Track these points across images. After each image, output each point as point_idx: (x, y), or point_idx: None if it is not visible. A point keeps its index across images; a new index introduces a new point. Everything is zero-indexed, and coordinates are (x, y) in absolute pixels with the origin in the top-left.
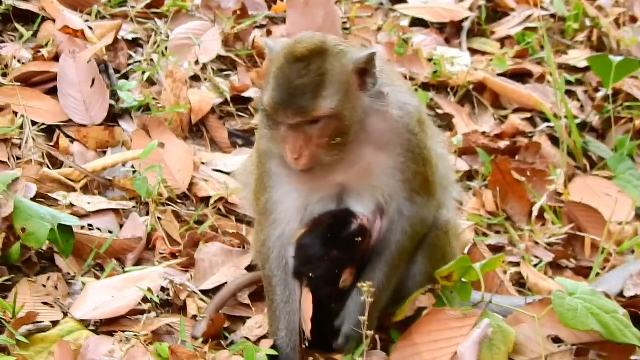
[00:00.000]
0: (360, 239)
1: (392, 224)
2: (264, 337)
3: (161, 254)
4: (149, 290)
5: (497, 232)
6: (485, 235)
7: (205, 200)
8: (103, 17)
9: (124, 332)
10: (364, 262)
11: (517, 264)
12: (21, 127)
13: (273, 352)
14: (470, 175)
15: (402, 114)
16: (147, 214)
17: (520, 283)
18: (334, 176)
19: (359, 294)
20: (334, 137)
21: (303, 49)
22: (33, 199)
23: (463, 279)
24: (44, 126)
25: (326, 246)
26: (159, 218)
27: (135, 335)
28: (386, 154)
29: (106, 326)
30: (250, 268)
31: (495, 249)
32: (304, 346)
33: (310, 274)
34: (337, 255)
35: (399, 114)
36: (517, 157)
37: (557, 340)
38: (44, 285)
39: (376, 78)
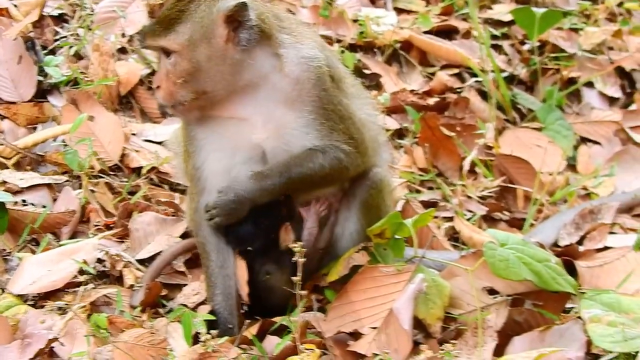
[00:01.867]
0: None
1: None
2: (202, 303)
3: (96, 225)
4: (84, 262)
5: (430, 188)
6: (417, 191)
7: (137, 171)
8: None
9: (62, 304)
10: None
11: (451, 219)
12: None
13: (210, 317)
14: (400, 133)
15: (304, 71)
16: (80, 187)
17: (454, 237)
18: (249, 136)
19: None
20: (186, 77)
21: None
22: None
23: (396, 236)
24: None
25: (252, 218)
26: (92, 190)
27: (68, 305)
28: (296, 112)
29: (44, 300)
30: (184, 235)
31: (428, 205)
32: (241, 310)
33: (249, 248)
34: (266, 222)
35: (300, 71)
36: (446, 113)
37: (492, 292)
38: None
39: (251, 33)
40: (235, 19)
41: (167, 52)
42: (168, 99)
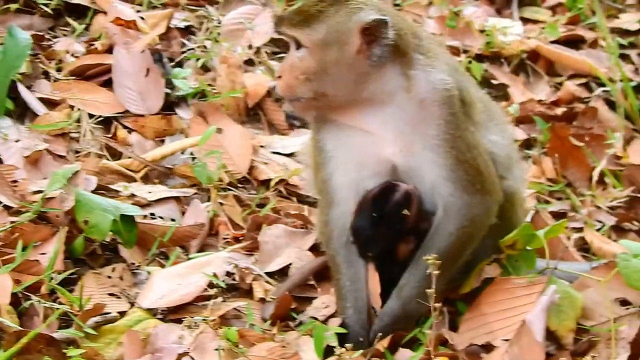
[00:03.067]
0: (406, 209)
1: (438, 225)
2: (332, 316)
3: (224, 238)
4: (215, 275)
5: (559, 199)
6: (547, 202)
7: (266, 183)
8: (154, 7)
9: (194, 318)
10: (423, 229)
11: (580, 229)
12: (78, 120)
13: (342, 330)
14: (528, 144)
15: (431, 93)
16: (209, 200)
17: (584, 248)
18: (379, 150)
19: (416, 268)
20: (309, 74)
21: None
22: (94, 192)
23: (527, 247)
24: (100, 118)
25: (373, 224)
26: (220, 203)
27: (204, 320)
28: (420, 136)
29: (173, 314)
30: (313, 248)
31: (558, 216)
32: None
33: (369, 254)
34: (386, 231)
35: (427, 93)
36: (574, 123)
37: (624, 302)
38: (109, 277)
39: (384, 51)
40: (372, 34)
41: (298, 45)
42: (286, 91)
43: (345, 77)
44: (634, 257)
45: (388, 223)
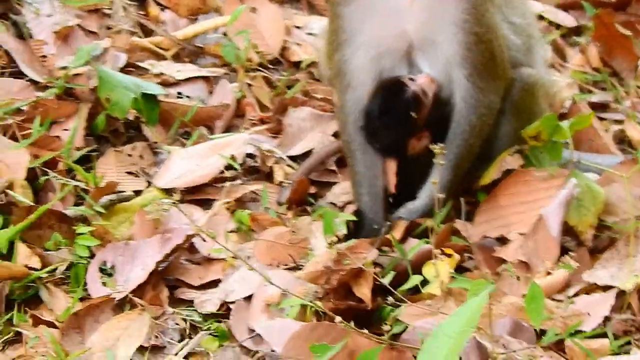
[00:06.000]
0: (414, 112)
1: (458, 113)
2: (350, 203)
3: (251, 120)
4: (232, 157)
5: (603, 89)
6: (589, 92)
7: (298, 65)
8: None
9: (207, 200)
10: (442, 122)
11: (622, 122)
12: None
13: (352, 218)
14: (578, 31)
15: None
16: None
17: (624, 141)
18: (401, 23)
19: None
20: None
21: None
22: (123, 69)
23: (553, 138)
24: None
25: (383, 117)
26: (249, 84)
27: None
28: (444, 8)
29: (190, 194)
30: (337, 133)
31: (598, 107)
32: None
33: (377, 145)
34: (395, 126)
35: None
36: (628, 10)
37: None
38: (130, 155)
39: None
40: None
41: None
42: None
43: None
44: None
45: (394, 120)
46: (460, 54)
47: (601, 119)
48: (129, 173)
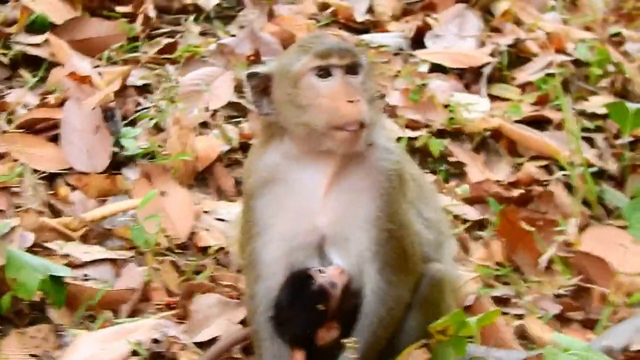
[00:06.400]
0: (321, 303)
1: (367, 305)
2: None
3: (157, 305)
4: (138, 343)
5: (505, 284)
6: (492, 286)
7: (205, 250)
8: (114, 62)
9: None
10: (353, 313)
11: (523, 317)
12: (21, 175)
13: None
14: (481, 225)
15: (380, 164)
16: (146, 263)
17: (525, 336)
18: (313, 218)
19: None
20: (369, 97)
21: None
22: (30, 249)
23: (459, 333)
24: (45, 174)
25: (291, 308)
26: (156, 268)
27: None
28: (358, 205)
29: None
30: (244, 321)
31: (501, 301)
32: None
33: (285, 335)
34: (303, 318)
35: (383, 158)
36: (529, 206)
37: None
38: (34, 337)
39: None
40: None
41: (356, 70)
42: (365, 113)
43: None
44: (563, 351)
45: (302, 312)
46: (371, 250)
47: (503, 313)
48: (33, 356)
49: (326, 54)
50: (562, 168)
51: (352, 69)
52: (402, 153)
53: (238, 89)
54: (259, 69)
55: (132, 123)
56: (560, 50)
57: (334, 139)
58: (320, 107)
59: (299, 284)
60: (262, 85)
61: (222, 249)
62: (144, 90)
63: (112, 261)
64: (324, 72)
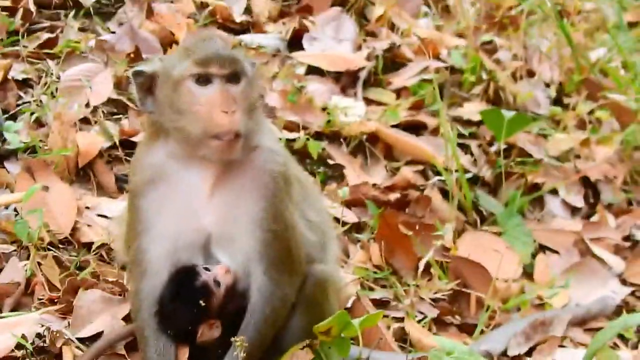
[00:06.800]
0: (203, 299)
1: (253, 304)
2: None
3: (40, 300)
4: (23, 337)
5: (383, 286)
6: (370, 289)
7: (88, 246)
8: None
9: None
10: (238, 313)
11: (402, 319)
12: None
13: None
14: (359, 227)
15: (266, 165)
16: (28, 258)
17: (404, 339)
18: (199, 217)
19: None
20: (249, 105)
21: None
22: None
23: (342, 334)
24: None
25: (173, 303)
26: (39, 263)
27: None
28: (244, 205)
29: None
30: (127, 317)
31: (380, 304)
32: None
33: (168, 331)
34: (185, 313)
35: (268, 160)
36: (407, 210)
37: None
38: None
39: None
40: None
41: (238, 80)
42: (240, 125)
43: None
44: (446, 354)
45: (184, 306)
46: (257, 250)
47: (383, 316)
48: None
49: (206, 62)
50: (437, 173)
51: (233, 78)
52: (288, 155)
53: (118, 86)
54: (145, 67)
55: (14, 117)
56: (435, 57)
57: (209, 147)
58: (197, 115)
59: (184, 278)
60: (147, 84)
61: (104, 245)
62: (25, 84)
63: None
64: (204, 80)
